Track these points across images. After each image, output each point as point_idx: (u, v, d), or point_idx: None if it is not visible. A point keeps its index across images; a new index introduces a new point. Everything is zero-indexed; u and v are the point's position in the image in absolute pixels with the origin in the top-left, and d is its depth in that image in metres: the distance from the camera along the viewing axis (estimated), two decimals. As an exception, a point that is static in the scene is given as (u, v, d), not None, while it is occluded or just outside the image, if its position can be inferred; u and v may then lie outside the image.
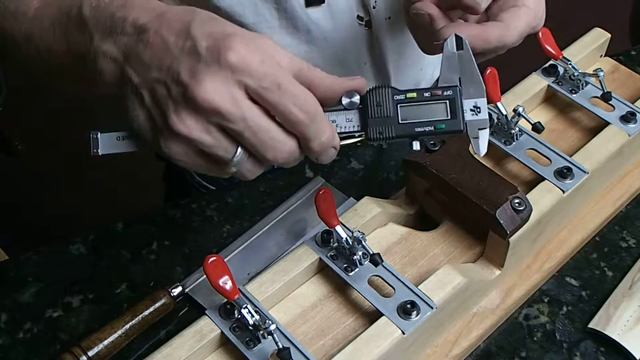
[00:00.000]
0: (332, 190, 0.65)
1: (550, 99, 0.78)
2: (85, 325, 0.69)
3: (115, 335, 0.66)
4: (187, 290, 0.70)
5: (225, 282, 0.57)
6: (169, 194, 1.09)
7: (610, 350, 0.67)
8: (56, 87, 0.65)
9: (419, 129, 0.53)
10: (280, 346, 0.55)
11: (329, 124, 0.51)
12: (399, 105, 0.54)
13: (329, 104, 0.53)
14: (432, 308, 0.59)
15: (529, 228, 0.64)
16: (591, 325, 0.68)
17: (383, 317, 0.58)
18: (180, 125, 0.48)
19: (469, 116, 0.54)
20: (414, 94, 0.54)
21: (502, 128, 0.70)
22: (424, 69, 0.92)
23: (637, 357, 0.65)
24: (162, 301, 0.68)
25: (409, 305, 0.58)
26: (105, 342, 0.65)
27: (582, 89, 0.75)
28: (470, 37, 0.57)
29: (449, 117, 0.53)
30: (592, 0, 2.15)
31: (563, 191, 0.67)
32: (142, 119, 0.51)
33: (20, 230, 1.81)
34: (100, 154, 0.53)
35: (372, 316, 0.61)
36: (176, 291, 0.69)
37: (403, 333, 0.58)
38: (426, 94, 0.54)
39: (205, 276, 0.57)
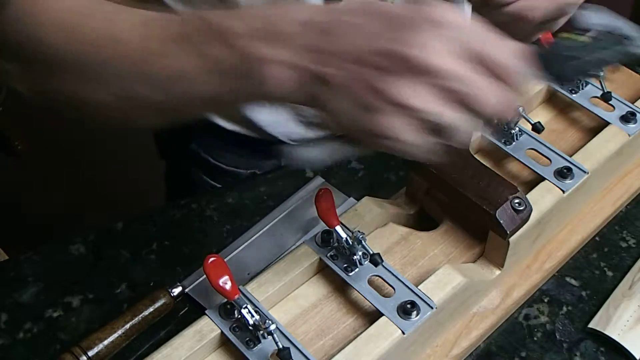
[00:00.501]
0: (332, 190, 0.65)
1: (550, 99, 0.78)
2: (85, 325, 0.69)
3: (115, 335, 0.66)
4: (187, 290, 0.70)
5: (225, 282, 0.57)
6: (170, 195, 1.09)
7: (610, 350, 0.67)
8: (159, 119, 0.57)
9: None
10: (280, 346, 0.55)
11: None
12: None
13: None
14: (432, 308, 0.59)
15: (529, 228, 0.64)
16: (591, 325, 0.68)
17: (383, 317, 0.58)
18: (406, 95, 0.45)
19: None
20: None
21: (502, 128, 0.70)
22: None
23: (638, 357, 0.65)
24: (162, 301, 0.68)
25: (409, 305, 0.58)
26: (105, 342, 0.65)
27: (582, 89, 0.75)
28: None
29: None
30: (592, 0, 2.15)
31: (563, 191, 0.67)
32: (350, 109, 0.46)
33: (20, 230, 1.81)
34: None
35: (372, 316, 0.61)
36: (176, 291, 0.69)
37: (403, 333, 0.58)
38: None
39: (205, 276, 0.57)
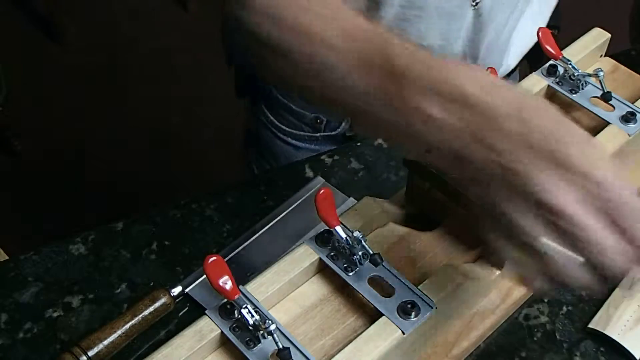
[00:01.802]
0: (332, 190, 0.65)
1: (550, 99, 0.78)
2: (85, 325, 0.69)
3: (115, 335, 0.66)
4: (187, 290, 0.70)
5: (225, 282, 0.57)
6: (247, 141, 1.09)
7: (610, 350, 0.67)
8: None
9: None
10: (280, 346, 0.55)
11: None
12: None
13: None
14: (432, 308, 0.59)
15: (529, 228, 0.64)
16: (591, 325, 0.68)
17: (383, 317, 0.58)
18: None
19: None
20: None
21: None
22: (508, 55, 0.92)
23: (638, 357, 0.65)
24: (162, 301, 0.68)
25: (409, 305, 0.58)
26: (105, 342, 0.65)
27: (582, 89, 0.75)
28: None
29: None
30: (592, 0, 2.15)
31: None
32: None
33: (20, 230, 1.81)
34: None
35: (372, 316, 0.61)
36: (176, 291, 0.69)
37: (403, 333, 0.58)
38: None
39: (205, 276, 0.57)
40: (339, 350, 0.57)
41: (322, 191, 0.61)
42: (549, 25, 0.97)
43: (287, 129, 0.98)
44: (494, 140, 0.49)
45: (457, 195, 0.63)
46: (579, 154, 0.48)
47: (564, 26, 0.83)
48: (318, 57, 0.57)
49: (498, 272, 0.66)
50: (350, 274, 0.61)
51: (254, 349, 0.57)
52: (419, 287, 0.60)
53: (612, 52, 0.85)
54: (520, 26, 0.91)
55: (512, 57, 0.94)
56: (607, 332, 0.67)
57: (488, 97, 0.50)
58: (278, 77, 0.64)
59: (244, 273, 0.71)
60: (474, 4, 0.82)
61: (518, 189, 0.49)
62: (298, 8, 0.59)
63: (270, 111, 0.99)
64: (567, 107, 0.78)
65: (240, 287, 0.59)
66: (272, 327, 0.55)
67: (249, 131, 1.08)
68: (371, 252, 0.60)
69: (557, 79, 0.76)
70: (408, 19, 0.82)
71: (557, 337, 0.68)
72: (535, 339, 0.68)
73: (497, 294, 0.68)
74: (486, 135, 0.49)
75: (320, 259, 0.62)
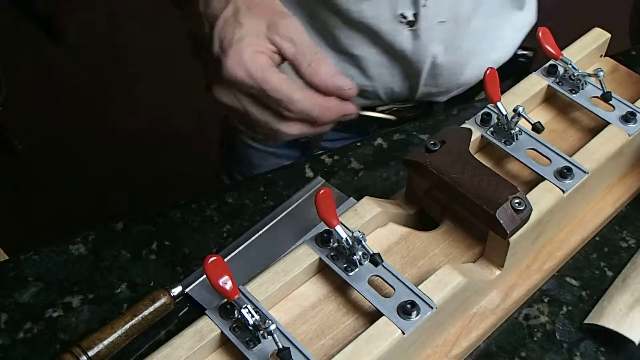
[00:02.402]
0: (332, 190, 0.65)
1: (550, 99, 0.78)
2: (85, 325, 0.69)
3: (115, 335, 0.66)
4: (187, 290, 0.70)
5: (225, 282, 0.57)
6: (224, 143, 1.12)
7: (610, 350, 0.67)
8: None
9: None
10: (280, 346, 0.55)
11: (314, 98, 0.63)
12: None
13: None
14: (432, 308, 0.59)
15: (529, 228, 0.64)
16: (587, 320, 0.68)
17: (383, 317, 0.58)
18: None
19: None
20: None
21: (502, 128, 0.70)
22: (460, 79, 0.93)
23: (636, 341, 0.65)
24: (162, 301, 0.68)
25: (409, 305, 0.58)
26: (105, 342, 0.65)
27: (582, 89, 0.75)
28: None
29: None
30: (592, 0, 2.15)
31: (563, 191, 0.67)
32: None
33: (20, 230, 1.81)
34: None
35: (372, 316, 0.61)
36: (176, 291, 0.69)
37: (403, 333, 0.58)
38: None
39: (205, 276, 0.57)
40: (339, 350, 0.57)
41: (322, 191, 0.61)
42: (523, 47, 0.97)
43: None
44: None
45: (457, 195, 0.63)
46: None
47: (564, 26, 0.83)
48: None
49: (498, 272, 0.66)
50: (350, 274, 0.61)
51: (254, 349, 0.57)
52: (419, 287, 0.60)
53: (612, 52, 0.85)
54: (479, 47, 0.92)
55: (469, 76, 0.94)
56: (602, 323, 0.67)
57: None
58: None
59: (244, 273, 0.71)
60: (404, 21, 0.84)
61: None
62: None
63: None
64: (567, 107, 0.78)
65: (240, 287, 0.59)
66: (272, 327, 0.55)
67: (223, 140, 1.09)
68: (371, 252, 0.60)
69: (557, 79, 0.76)
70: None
71: (557, 337, 0.68)
72: (535, 339, 0.68)
73: (497, 294, 0.68)
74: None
75: (320, 259, 0.62)
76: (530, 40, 0.97)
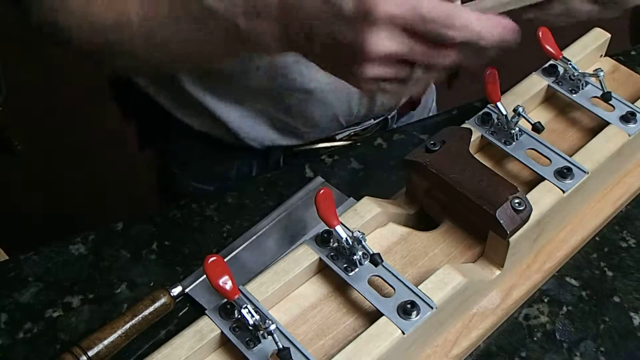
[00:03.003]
0: (332, 190, 0.65)
1: (550, 99, 0.78)
2: (85, 325, 0.69)
3: (115, 335, 0.66)
4: (187, 290, 0.70)
5: (225, 282, 0.57)
6: (159, 186, 1.09)
7: (610, 350, 0.67)
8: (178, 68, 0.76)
9: None
10: (280, 346, 0.55)
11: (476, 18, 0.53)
12: None
13: None
14: (432, 308, 0.59)
15: (529, 228, 0.64)
16: None
17: (383, 317, 0.58)
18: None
19: None
20: None
21: (502, 128, 0.70)
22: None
23: None
24: (162, 301, 0.68)
25: (409, 305, 0.58)
26: (105, 342, 0.65)
27: (582, 89, 0.75)
28: None
29: None
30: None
31: (563, 191, 0.67)
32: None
33: (20, 230, 1.81)
34: None
35: (372, 316, 0.61)
36: (176, 291, 0.69)
37: (403, 333, 0.58)
38: None
39: (205, 276, 0.57)
40: (339, 350, 0.57)
41: (322, 191, 0.61)
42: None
43: (199, 185, 0.96)
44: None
45: (457, 195, 0.63)
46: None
47: (564, 26, 0.82)
48: (148, 36, 0.64)
49: (498, 272, 0.66)
50: (350, 274, 0.61)
51: (254, 349, 0.57)
52: (419, 287, 0.60)
53: (612, 52, 0.85)
54: None
55: None
56: None
57: None
58: (125, 70, 0.74)
59: (244, 273, 0.71)
60: None
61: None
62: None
63: (178, 168, 0.97)
64: (567, 107, 0.78)
65: (240, 287, 0.59)
66: (272, 327, 0.55)
67: (158, 175, 1.06)
68: (371, 252, 0.60)
69: (557, 79, 0.76)
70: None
71: (557, 337, 0.68)
72: (535, 339, 0.68)
73: (497, 294, 0.68)
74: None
75: (320, 259, 0.62)
76: None
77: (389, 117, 0.95)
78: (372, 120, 0.93)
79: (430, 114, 1.05)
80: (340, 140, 0.92)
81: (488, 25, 0.54)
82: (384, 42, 0.53)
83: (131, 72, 0.84)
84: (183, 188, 0.97)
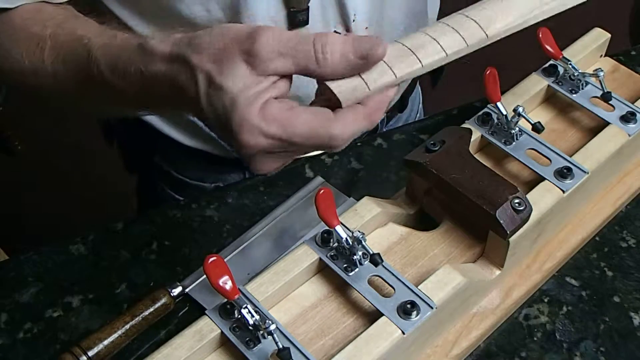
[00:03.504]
0: (332, 190, 0.65)
1: (550, 99, 0.78)
2: (85, 325, 0.69)
3: (115, 335, 0.66)
4: (187, 290, 0.70)
5: (225, 282, 0.56)
6: (141, 208, 1.08)
7: (610, 350, 0.67)
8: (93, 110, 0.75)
9: None
10: (280, 346, 0.55)
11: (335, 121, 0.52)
12: None
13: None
14: (432, 308, 0.59)
15: (529, 228, 0.64)
16: None
17: (383, 317, 0.58)
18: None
19: None
20: None
21: (502, 128, 0.70)
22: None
23: None
24: (162, 301, 0.68)
25: (409, 305, 0.58)
26: (105, 342, 0.65)
27: (582, 89, 0.75)
28: None
29: None
30: (592, 0, 2.15)
31: (563, 191, 0.67)
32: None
33: (20, 230, 1.81)
34: None
35: (372, 316, 0.61)
36: (176, 291, 0.69)
37: (403, 333, 0.58)
38: None
39: (205, 276, 0.57)
40: (339, 350, 0.57)
41: (322, 191, 0.61)
42: None
43: (188, 192, 0.95)
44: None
45: (457, 195, 0.63)
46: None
47: (563, 26, 0.82)
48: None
49: (498, 272, 0.66)
50: (350, 274, 0.61)
51: (254, 349, 0.57)
52: (419, 287, 0.60)
53: (612, 52, 0.85)
54: None
55: None
56: None
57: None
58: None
59: (244, 273, 0.71)
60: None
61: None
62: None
63: (168, 186, 0.96)
64: (567, 107, 0.78)
65: (240, 287, 0.59)
66: (272, 327, 0.55)
67: (143, 198, 1.06)
68: (371, 252, 0.60)
69: (557, 79, 0.76)
70: None
71: (557, 337, 0.68)
72: (535, 339, 0.68)
73: (497, 294, 0.68)
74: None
75: (320, 259, 0.62)
76: None
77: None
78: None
79: (418, 116, 1.05)
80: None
81: (374, 114, 0.53)
82: (263, 166, 0.54)
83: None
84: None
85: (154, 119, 0.87)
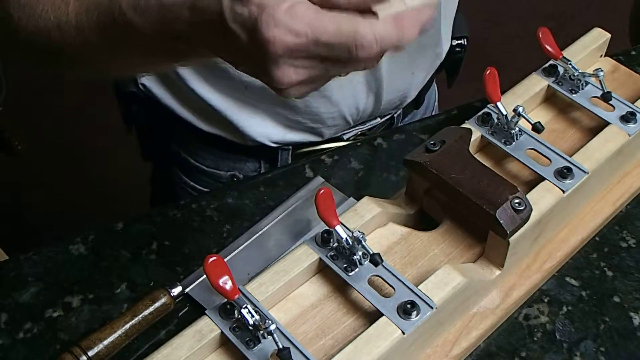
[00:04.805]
0: (332, 190, 0.65)
1: (550, 99, 0.78)
2: (85, 325, 0.69)
3: (115, 335, 0.66)
4: (187, 290, 0.70)
5: (225, 282, 0.57)
6: (154, 198, 1.08)
7: (610, 350, 0.67)
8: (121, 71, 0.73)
9: None
10: (280, 346, 0.55)
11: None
12: None
13: None
14: (432, 308, 0.59)
15: (529, 228, 0.64)
16: None
17: (383, 317, 0.58)
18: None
19: None
20: None
21: (502, 128, 0.70)
22: (415, 73, 0.92)
23: None
24: (162, 301, 0.68)
25: (409, 305, 0.58)
26: (105, 342, 0.65)
27: (582, 89, 0.75)
28: None
29: None
30: (592, 0, 2.15)
31: (563, 191, 0.67)
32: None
33: (20, 230, 1.81)
34: None
35: (372, 316, 0.61)
36: (176, 291, 0.69)
37: (403, 333, 0.58)
38: None
39: (205, 276, 0.57)
40: (339, 350, 0.57)
41: (322, 191, 0.61)
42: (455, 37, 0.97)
43: (204, 189, 0.95)
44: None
45: (457, 195, 0.63)
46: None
47: (563, 26, 0.83)
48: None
49: (498, 272, 0.66)
50: (350, 274, 0.61)
51: (254, 349, 0.57)
52: (419, 287, 0.60)
53: (612, 52, 0.85)
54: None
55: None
56: None
57: None
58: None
59: (244, 273, 0.71)
60: None
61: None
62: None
63: (184, 173, 0.96)
64: (567, 107, 0.78)
65: (240, 287, 0.59)
66: (272, 327, 0.55)
67: (157, 187, 1.06)
68: (371, 252, 0.60)
69: (557, 79, 0.76)
70: None
71: (557, 337, 0.68)
72: (535, 339, 0.68)
73: (497, 294, 0.68)
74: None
75: (320, 259, 0.62)
76: (459, 28, 0.97)
77: (395, 115, 0.95)
78: (379, 119, 0.93)
79: (433, 113, 1.05)
80: (347, 140, 0.92)
81: (401, 29, 0.50)
82: (290, 74, 0.50)
83: (89, 76, 0.79)
84: (185, 193, 0.97)
85: (173, 103, 0.87)
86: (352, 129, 0.91)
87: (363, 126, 0.92)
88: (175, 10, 0.53)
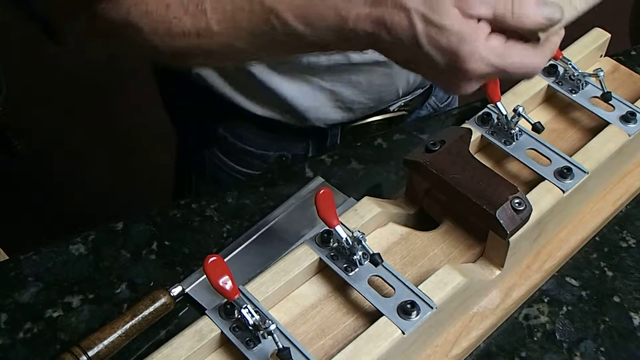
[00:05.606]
0: (332, 190, 0.65)
1: (550, 99, 0.78)
2: (85, 325, 0.69)
3: (115, 335, 0.66)
4: (187, 290, 0.70)
5: (225, 282, 0.57)
6: (181, 188, 1.09)
7: (610, 350, 0.67)
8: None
9: None
10: (280, 346, 0.55)
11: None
12: None
13: None
14: (432, 308, 0.59)
15: (529, 228, 0.64)
16: None
17: (383, 317, 0.58)
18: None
19: None
20: None
21: (502, 128, 0.70)
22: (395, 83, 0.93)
23: None
24: (162, 301, 0.68)
25: (409, 305, 0.58)
26: (105, 342, 0.65)
27: (582, 89, 0.75)
28: None
29: None
30: (592, 0, 2.15)
31: (563, 191, 0.67)
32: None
33: (21, 230, 1.81)
34: None
35: (372, 316, 0.61)
36: (176, 291, 0.69)
37: (403, 333, 0.58)
38: None
39: (205, 276, 0.57)
40: (339, 350, 0.57)
41: (322, 191, 0.61)
42: None
43: (247, 170, 0.96)
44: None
45: (457, 195, 0.63)
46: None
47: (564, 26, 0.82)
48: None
49: (498, 272, 0.66)
50: (350, 274, 0.61)
51: (254, 349, 0.57)
52: (419, 287, 0.60)
53: (612, 52, 0.85)
54: None
55: None
56: None
57: None
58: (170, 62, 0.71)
59: (244, 273, 0.71)
60: None
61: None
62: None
63: (226, 155, 0.96)
64: (567, 107, 0.78)
65: (240, 287, 0.59)
66: (272, 327, 0.55)
67: (184, 178, 1.06)
68: (371, 252, 0.60)
69: (557, 79, 0.76)
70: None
71: (557, 337, 0.68)
72: (535, 339, 0.68)
73: (497, 294, 0.68)
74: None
75: (320, 259, 0.62)
76: None
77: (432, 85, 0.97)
78: (420, 89, 0.95)
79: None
80: (394, 111, 0.94)
81: (553, 52, 0.57)
82: (473, 86, 0.56)
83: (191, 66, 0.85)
84: (226, 175, 0.97)
85: (228, 90, 0.88)
86: (399, 100, 0.93)
87: (406, 97, 0.94)
88: (356, 25, 0.55)
